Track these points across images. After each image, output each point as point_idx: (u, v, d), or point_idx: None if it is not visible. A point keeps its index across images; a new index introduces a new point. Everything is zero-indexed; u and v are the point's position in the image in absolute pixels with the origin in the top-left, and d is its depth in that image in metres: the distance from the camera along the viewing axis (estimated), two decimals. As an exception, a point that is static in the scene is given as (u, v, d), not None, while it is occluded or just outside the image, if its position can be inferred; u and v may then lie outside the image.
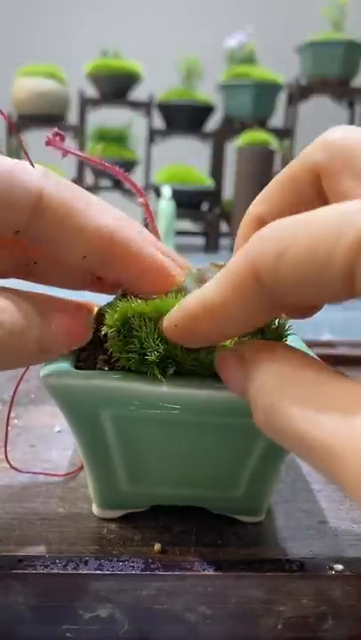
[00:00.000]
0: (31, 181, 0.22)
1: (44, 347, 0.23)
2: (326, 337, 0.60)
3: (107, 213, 0.23)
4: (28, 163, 0.23)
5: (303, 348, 0.30)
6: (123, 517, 0.30)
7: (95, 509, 0.30)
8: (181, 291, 0.27)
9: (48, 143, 0.27)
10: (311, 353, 0.29)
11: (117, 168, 0.29)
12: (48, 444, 0.38)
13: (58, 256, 0.24)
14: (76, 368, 0.27)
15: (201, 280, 0.30)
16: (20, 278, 0.28)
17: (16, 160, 0.23)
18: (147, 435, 0.27)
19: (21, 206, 0.22)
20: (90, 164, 0.28)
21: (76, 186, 0.23)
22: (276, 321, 0.27)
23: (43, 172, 0.22)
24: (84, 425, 0.27)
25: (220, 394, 0.25)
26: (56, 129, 0.27)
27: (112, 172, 0.28)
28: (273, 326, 0.27)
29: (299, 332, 0.30)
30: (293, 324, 0.28)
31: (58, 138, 0.27)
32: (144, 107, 3.00)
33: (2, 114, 0.24)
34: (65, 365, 0.26)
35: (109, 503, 0.30)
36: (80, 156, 0.28)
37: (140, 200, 0.30)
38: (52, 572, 0.23)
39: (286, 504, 0.32)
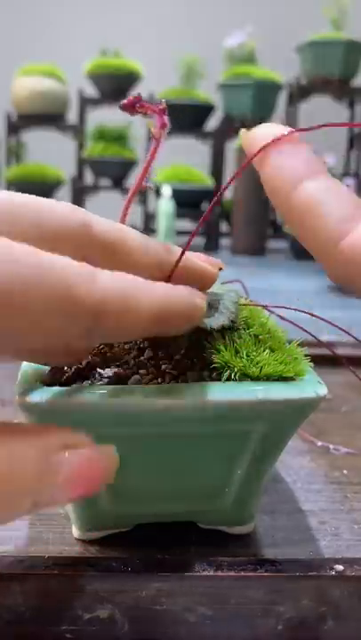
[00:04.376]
0: (89, 296, 0.18)
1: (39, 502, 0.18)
2: (326, 337, 0.60)
3: (158, 288, 0.21)
4: (86, 269, 0.19)
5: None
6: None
7: (75, 532, 0.28)
8: None
9: (124, 107, 0.23)
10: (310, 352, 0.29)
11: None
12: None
13: None
14: (49, 379, 0.25)
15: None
16: None
17: (72, 265, 0.19)
18: (129, 451, 0.24)
19: (79, 328, 0.19)
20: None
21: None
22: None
23: (100, 292, 0.19)
24: None
25: (203, 402, 0.24)
26: (138, 93, 0.24)
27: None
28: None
29: (299, 332, 0.30)
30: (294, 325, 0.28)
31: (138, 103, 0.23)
32: (144, 106, 3.00)
33: None
34: (38, 383, 0.24)
35: (91, 525, 0.28)
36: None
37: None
38: (52, 572, 0.23)
39: (286, 504, 0.32)
